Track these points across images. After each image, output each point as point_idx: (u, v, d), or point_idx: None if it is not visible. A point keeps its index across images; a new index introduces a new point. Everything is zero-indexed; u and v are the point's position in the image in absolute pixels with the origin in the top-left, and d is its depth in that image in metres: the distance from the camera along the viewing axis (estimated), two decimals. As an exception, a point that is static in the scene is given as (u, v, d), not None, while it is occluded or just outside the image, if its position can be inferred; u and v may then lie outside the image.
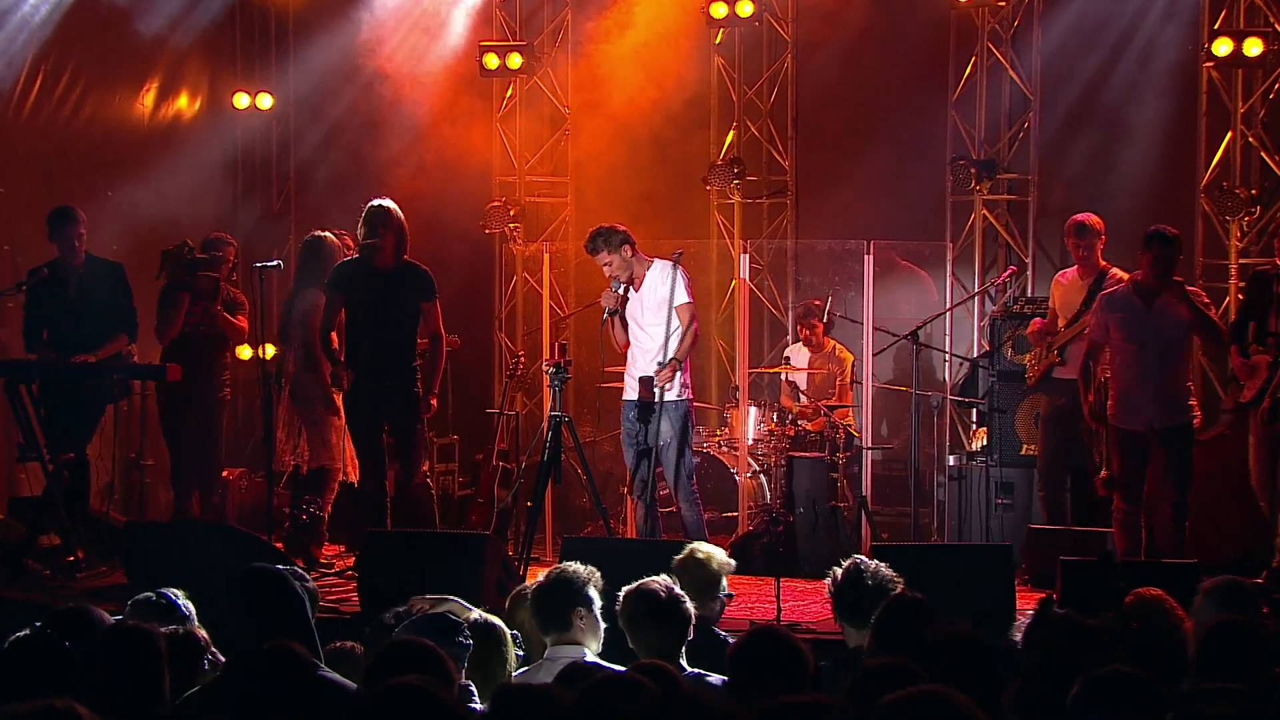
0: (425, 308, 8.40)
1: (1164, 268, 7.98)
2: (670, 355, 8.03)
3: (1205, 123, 10.39)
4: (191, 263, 9.02)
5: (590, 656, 4.81)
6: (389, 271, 8.36)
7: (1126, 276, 8.55)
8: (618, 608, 4.88)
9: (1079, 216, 8.96)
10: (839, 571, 5.24)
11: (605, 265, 8.05)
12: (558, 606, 4.91)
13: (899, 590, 5.06)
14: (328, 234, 9.04)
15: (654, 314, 8.07)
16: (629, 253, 8.08)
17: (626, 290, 8.12)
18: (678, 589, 4.86)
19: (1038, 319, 9.14)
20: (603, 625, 4.94)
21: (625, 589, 4.89)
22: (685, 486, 8.13)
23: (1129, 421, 8.11)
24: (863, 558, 5.32)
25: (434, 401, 8.52)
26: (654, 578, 4.93)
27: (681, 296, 8.07)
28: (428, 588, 5.33)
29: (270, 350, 8.96)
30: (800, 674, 4.07)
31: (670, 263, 8.12)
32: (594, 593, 4.94)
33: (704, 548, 5.88)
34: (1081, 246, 8.87)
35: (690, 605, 4.85)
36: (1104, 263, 8.87)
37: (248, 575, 4.59)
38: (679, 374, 8.08)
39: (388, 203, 8.41)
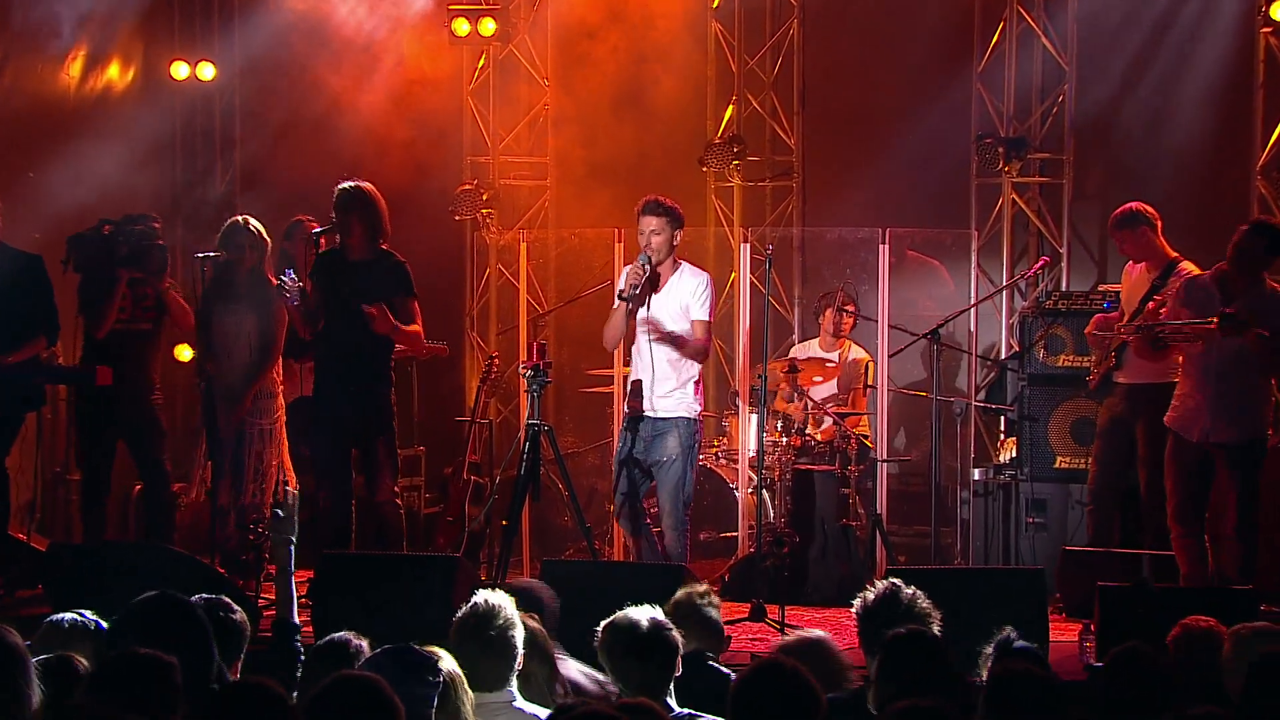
0: (399, 304, 8.38)
1: (1247, 260, 8.04)
2: (670, 329, 8.08)
3: (1263, 95, 10.39)
4: (129, 234, 8.86)
5: (519, 701, 4.81)
6: (359, 263, 8.37)
7: (1198, 270, 8.53)
8: (597, 642, 4.88)
9: (1119, 209, 9.01)
10: (873, 593, 5.26)
11: (652, 233, 8.07)
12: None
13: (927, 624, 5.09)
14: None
15: (668, 323, 8.11)
16: (677, 240, 8.16)
17: (652, 278, 8.13)
18: (662, 618, 4.87)
19: (1098, 315, 9.12)
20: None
21: (604, 621, 4.89)
22: (678, 514, 8.15)
23: (1184, 429, 8.16)
24: (900, 581, 5.33)
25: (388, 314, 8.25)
26: (635, 607, 4.93)
27: (703, 313, 8.14)
28: (390, 616, 5.33)
29: None
30: (811, 712, 4.08)
31: (705, 275, 8.22)
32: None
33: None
34: (1125, 241, 8.93)
35: (677, 635, 4.86)
36: (1173, 252, 8.85)
37: (142, 604, 4.56)
38: (692, 387, 8.14)
39: (356, 184, 8.42)
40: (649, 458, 8.15)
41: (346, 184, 8.41)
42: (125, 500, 10.12)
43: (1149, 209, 8.91)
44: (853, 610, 5.33)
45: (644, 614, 4.87)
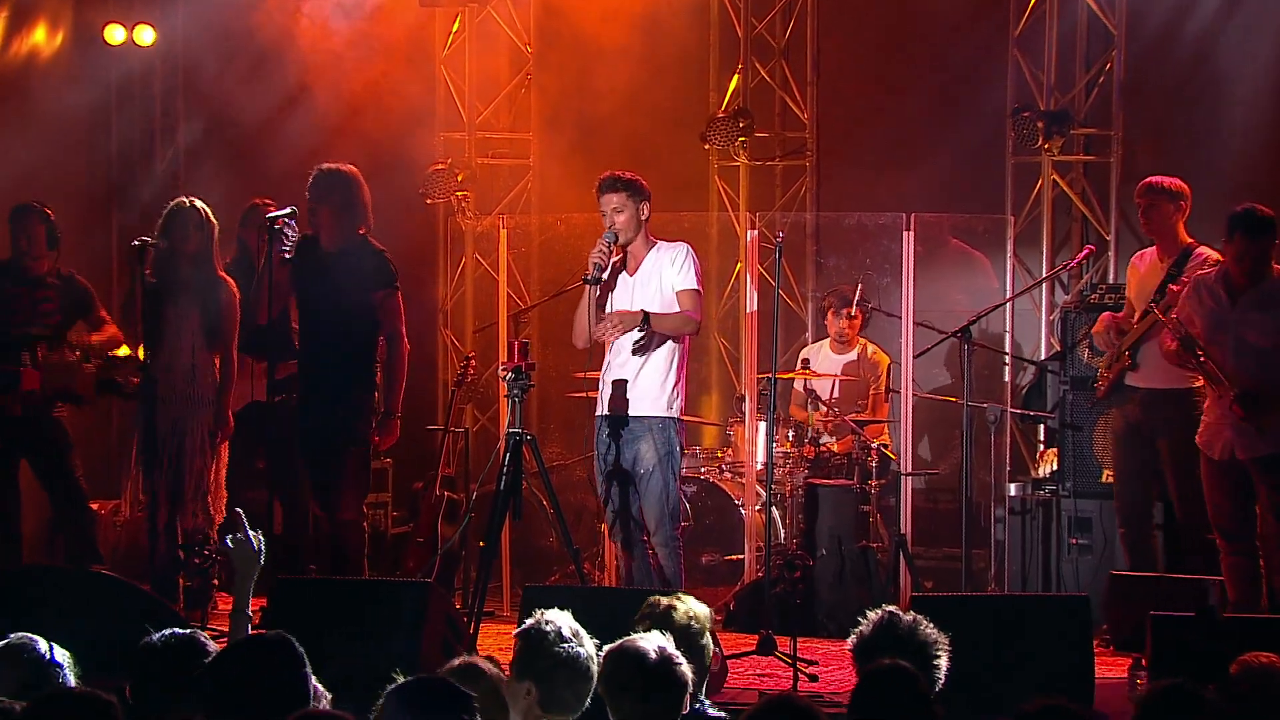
0: (378, 299, 8.49)
1: (1252, 263, 8.15)
2: (648, 312, 8.07)
3: (1333, 65, 10.44)
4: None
5: None
6: (334, 253, 8.46)
7: (1218, 256, 8.60)
8: (598, 670, 4.90)
9: (1154, 177, 9.09)
10: (867, 624, 5.26)
11: (614, 211, 8.12)
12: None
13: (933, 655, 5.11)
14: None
15: (649, 307, 8.11)
16: (645, 213, 8.18)
17: (621, 261, 8.16)
18: (671, 648, 4.89)
19: (1107, 313, 9.17)
20: None
21: (606, 649, 4.91)
22: (667, 529, 8.14)
23: (1210, 447, 8.27)
24: (896, 609, 5.34)
25: (397, 423, 8.67)
26: (642, 635, 4.95)
27: (688, 280, 8.13)
28: (354, 649, 5.32)
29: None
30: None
31: (682, 245, 8.24)
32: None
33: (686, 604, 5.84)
34: (1151, 209, 9.00)
35: (687, 670, 4.87)
36: (1189, 238, 8.90)
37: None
38: (669, 383, 8.11)
39: (335, 166, 8.60)
40: (626, 463, 8.15)
41: (323, 167, 8.60)
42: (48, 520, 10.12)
43: (1186, 189, 8.96)
44: (847, 646, 5.34)
45: (653, 643, 4.88)
